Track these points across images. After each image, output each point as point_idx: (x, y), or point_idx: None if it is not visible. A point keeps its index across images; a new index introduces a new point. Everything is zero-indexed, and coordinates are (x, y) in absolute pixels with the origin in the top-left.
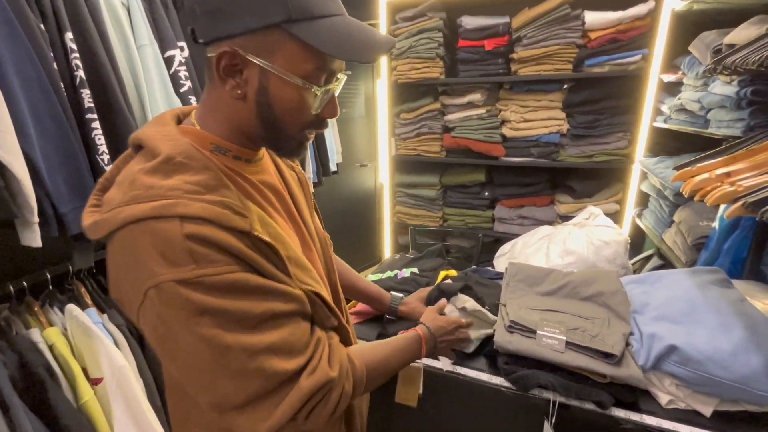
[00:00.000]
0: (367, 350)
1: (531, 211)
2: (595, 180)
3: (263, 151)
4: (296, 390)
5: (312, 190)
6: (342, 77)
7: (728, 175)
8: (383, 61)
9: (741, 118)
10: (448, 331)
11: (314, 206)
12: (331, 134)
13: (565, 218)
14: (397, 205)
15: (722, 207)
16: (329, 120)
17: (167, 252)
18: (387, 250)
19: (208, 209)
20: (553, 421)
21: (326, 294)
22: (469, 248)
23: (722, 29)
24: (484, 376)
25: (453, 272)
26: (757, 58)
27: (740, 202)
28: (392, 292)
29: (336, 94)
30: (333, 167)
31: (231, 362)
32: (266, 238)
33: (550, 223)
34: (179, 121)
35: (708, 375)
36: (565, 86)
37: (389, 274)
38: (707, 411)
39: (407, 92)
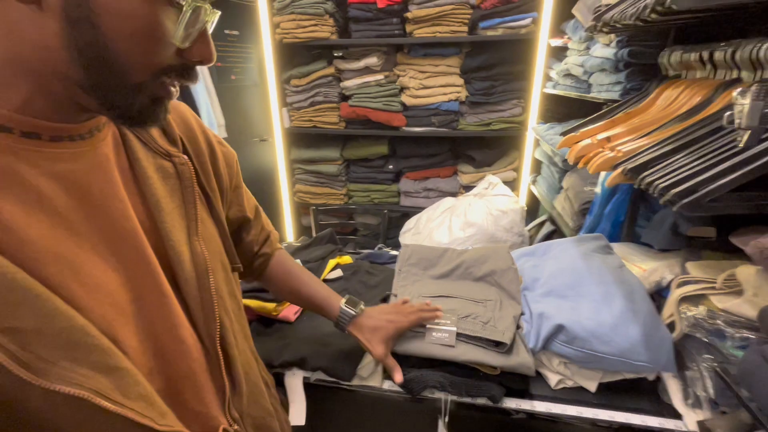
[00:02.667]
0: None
1: (436, 182)
2: (494, 149)
3: (97, 123)
4: None
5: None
6: (214, 12)
7: (608, 139)
8: (263, 17)
9: (619, 81)
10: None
11: (208, 212)
12: (207, 102)
13: (468, 188)
14: (296, 183)
15: (603, 173)
16: (199, 73)
17: None
18: (289, 235)
19: None
20: (446, 420)
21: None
22: (376, 225)
23: None
24: (373, 383)
25: (346, 258)
26: (635, 10)
27: (620, 169)
28: (344, 307)
29: (209, 30)
30: None
31: None
32: None
33: (454, 194)
34: None
35: (592, 352)
36: (469, 49)
37: None
38: (593, 386)
39: (297, 55)
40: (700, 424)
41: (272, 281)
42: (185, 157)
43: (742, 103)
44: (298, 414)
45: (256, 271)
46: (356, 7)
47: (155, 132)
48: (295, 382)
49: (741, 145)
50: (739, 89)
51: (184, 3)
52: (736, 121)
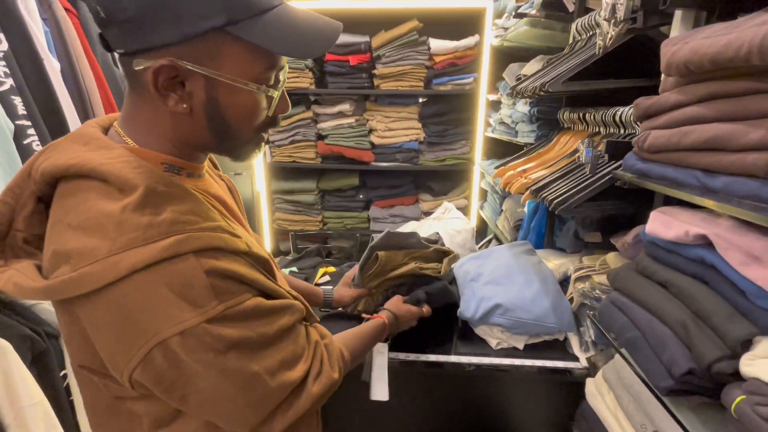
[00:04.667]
0: (349, 341)
1: (400, 209)
2: (449, 180)
3: (206, 162)
4: (306, 395)
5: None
6: (285, 70)
7: (525, 171)
8: None
9: (533, 130)
10: (412, 316)
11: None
12: None
13: (428, 213)
14: (276, 211)
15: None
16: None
17: (189, 294)
18: None
19: (215, 238)
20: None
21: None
22: (349, 248)
23: (523, 62)
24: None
25: (331, 269)
26: (534, 86)
27: (528, 191)
28: (323, 287)
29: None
30: None
31: (257, 387)
32: (263, 253)
33: (416, 219)
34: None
35: (518, 319)
36: (424, 99)
37: None
38: (521, 345)
39: None
40: (588, 359)
41: None
42: (228, 177)
43: (582, 149)
44: (381, 390)
45: None
46: (332, 63)
47: (207, 160)
48: (380, 360)
49: (588, 173)
50: (581, 141)
51: (274, 95)
52: (581, 159)
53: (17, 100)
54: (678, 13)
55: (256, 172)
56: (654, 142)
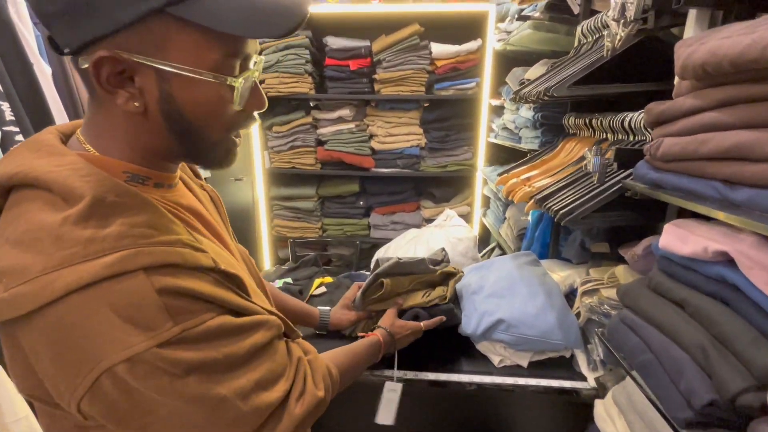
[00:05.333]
0: (339, 358)
1: (401, 216)
2: (451, 187)
3: (179, 172)
4: (288, 417)
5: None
6: (260, 59)
7: (529, 179)
8: None
9: (537, 136)
10: (409, 331)
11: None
12: None
13: (429, 221)
14: (275, 218)
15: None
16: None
17: (137, 316)
18: (267, 265)
19: (171, 253)
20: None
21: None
22: (349, 255)
23: (526, 66)
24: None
25: (328, 279)
26: (538, 91)
27: (533, 200)
28: (319, 307)
29: (258, 80)
30: None
31: (227, 413)
32: (231, 270)
33: (417, 226)
34: (63, 143)
35: (521, 335)
36: (426, 104)
37: None
38: (525, 363)
39: (279, 105)
40: (596, 380)
41: None
42: (209, 185)
43: (589, 157)
44: (386, 416)
45: None
46: (332, 68)
47: (187, 168)
48: (390, 395)
49: (595, 182)
50: (588, 148)
51: (236, 84)
52: (588, 168)
53: (5, 106)
54: (692, 13)
55: (257, 178)
56: (668, 150)
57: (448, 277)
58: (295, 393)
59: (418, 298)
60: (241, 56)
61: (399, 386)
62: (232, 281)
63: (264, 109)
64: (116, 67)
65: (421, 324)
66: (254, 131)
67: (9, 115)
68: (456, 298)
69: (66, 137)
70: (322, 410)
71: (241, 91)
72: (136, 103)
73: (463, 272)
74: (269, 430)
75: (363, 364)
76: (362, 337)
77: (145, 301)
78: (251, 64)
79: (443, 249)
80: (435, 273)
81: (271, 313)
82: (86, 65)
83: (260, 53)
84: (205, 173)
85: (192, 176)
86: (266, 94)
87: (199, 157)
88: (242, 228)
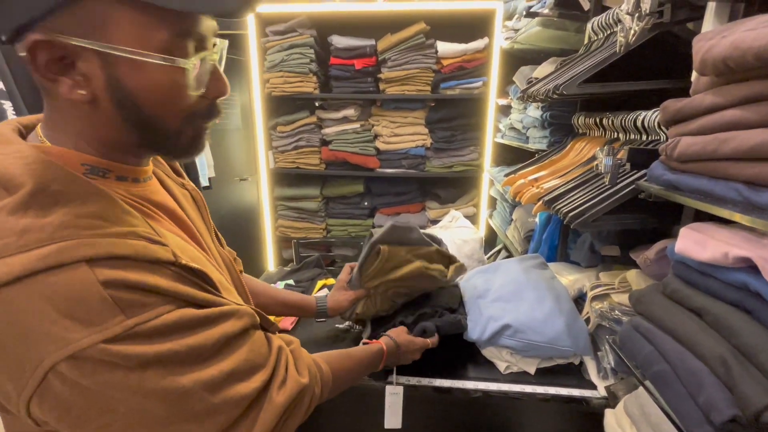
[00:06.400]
0: (333, 357)
1: (406, 217)
2: (456, 188)
3: (151, 167)
4: (269, 406)
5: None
6: (221, 43)
7: (536, 180)
8: (254, 73)
9: (545, 136)
10: (416, 348)
11: (213, 224)
12: None
13: (434, 222)
14: (279, 219)
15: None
16: (221, 108)
17: (78, 311)
18: (271, 265)
19: (120, 244)
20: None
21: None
22: (353, 257)
23: (534, 65)
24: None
25: (331, 281)
26: (547, 89)
27: (541, 201)
28: (315, 295)
29: (219, 65)
30: (204, 182)
31: (193, 405)
32: (194, 264)
33: (423, 227)
34: (22, 136)
35: (529, 341)
36: (432, 104)
37: None
38: (532, 370)
39: (283, 105)
40: (607, 388)
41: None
42: (191, 183)
43: (601, 157)
44: (393, 420)
45: None
46: (337, 68)
47: (166, 166)
48: (393, 399)
49: (607, 183)
50: (599, 148)
51: (187, 66)
52: (600, 168)
53: (7, 105)
54: (711, 6)
55: (262, 178)
56: (685, 150)
57: (448, 261)
58: (277, 381)
59: (417, 265)
60: (194, 37)
61: (400, 389)
62: (196, 276)
63: (227, 96)
64: (55, 53)
65: (429, 341)
66: (259, 131)
67: (11, 114)
68: (461, 300)
69: (28, 130)
70: (309, 400)
71: (196, 75)
72: (82, 91)
73: (464, 265)
74: (251, 420)
75: (361, 369)
76: (363, 340)
77: (88, 294)
78: (210, 46)
79: (440, 237)
80: (432, 248)
81: (246, 305)
82: (23, 53)
83: (266, 50)
84: (210, 172)
85: (171, 173)
86: (270, 93)
87: (162, 147)
88: (247, 228)
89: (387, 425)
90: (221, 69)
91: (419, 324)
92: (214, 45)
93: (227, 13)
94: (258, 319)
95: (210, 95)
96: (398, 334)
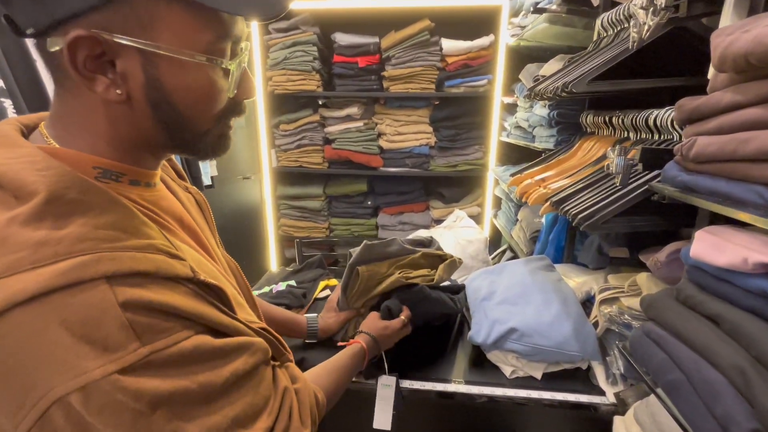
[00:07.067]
0: (322, 379)
1: (410, 216)
2: (461, 187)
3: (160, 171)
4: None
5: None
6: (247, 45)
7: (543, 180)
8: (257, 71)
9: (552, 135)
10: (392, 331)
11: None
12: None
13: (438, 221)
14: (281, 218)
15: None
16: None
17: (95, 334)
18: (273, 265)
19: (141, 259)
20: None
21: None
22: None
23: (541, 63)
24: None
25: (333, 281)
26: (555, 87)
27: (548, 202)
28: (306, 315)
29: (245, 65)
30: (207, 180)
31: None
32: (211, 281)
33: (426, 227)
34: (24, 136)
35: (535, 345)
36: (436, 102)
37: (266, 289)
38: (539, 375)
39: (286, 103)
40: (616, 395)
41: None
42: (195, 187)
43: (612, 157)
44: (383, 419)
45: None
46: (340, 65)
47: (170, 169)
48: (384, 392)
49: (618, 184)
50: (610, 147)
51: (231, 67)
52: (611, 168)
53: (7, 103)
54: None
55: (265, 177)
56: (702, 150)
57: (438, 260)
58: (279, 429)
59: (395, 277)
60: (233, 39)
61: (393, 379)
62: (213, 294)
63: (253, 98)
64: (95, 50)
65: (401, 318)
66: (261, 129)
67: (11, 113)
68: (463, 294)
69: (29, 130)
70: None
71: (234, 76)
72: (118, 91)
73: (459, 258)
74: None
75: (349, 377)
76: (339, 342)
77: (106, 316)
78: (239, 50)
79: (430, 236)
80: (416, 254)
81: (260, 331)
82: (57, 48)
83: (269, 48)
84: (213, 171)
85: (175, 177)
86: (273, 91)
87: (190, 147)
88: (250, 227)
89: (375, 425)
90: (248, 71)
91: (382, 306)
92: (241, 49)
93: (270, 17)
94: (270, 352)
95: (240, 97)
96: (370, 325)
